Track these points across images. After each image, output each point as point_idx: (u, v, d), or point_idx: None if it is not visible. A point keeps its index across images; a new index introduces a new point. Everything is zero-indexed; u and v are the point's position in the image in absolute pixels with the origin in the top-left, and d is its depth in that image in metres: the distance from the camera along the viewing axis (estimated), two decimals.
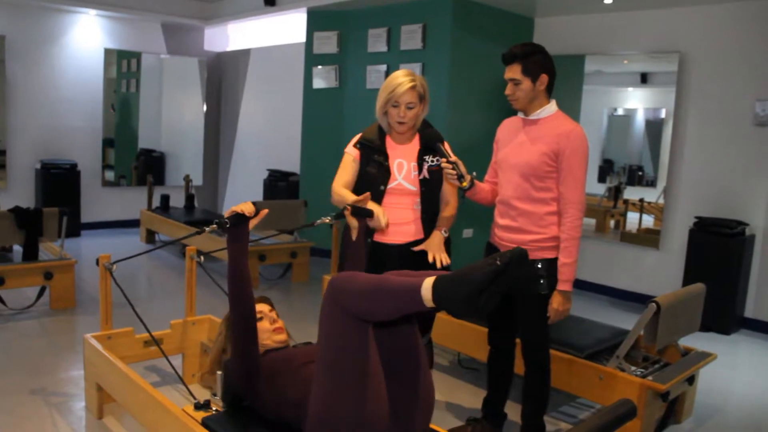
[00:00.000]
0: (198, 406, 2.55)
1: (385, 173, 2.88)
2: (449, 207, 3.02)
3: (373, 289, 1.89)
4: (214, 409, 2.54)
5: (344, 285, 1.93)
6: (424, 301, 1.77)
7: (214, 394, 2.61)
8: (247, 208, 2.43)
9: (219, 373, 2.55)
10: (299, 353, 2.40)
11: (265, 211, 2.47)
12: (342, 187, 2.89)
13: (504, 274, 1.71)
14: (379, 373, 2.02)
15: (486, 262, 1.73)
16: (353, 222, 2.62)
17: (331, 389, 1.98)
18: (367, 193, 2.70)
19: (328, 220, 2.65)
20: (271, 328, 2.59)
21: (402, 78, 2.82)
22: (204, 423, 2.41)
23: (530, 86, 2.72)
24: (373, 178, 2.89)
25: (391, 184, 2.89)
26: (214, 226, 2.46)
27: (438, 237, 2.89)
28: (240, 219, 2.41)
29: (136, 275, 6.08)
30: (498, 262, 1.70)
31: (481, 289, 1.70)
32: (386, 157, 2.90)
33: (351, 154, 2.96)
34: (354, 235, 2.64)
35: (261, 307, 2.67)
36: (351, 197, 2.78)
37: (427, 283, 1.77)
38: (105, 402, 3.21)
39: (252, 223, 2.45)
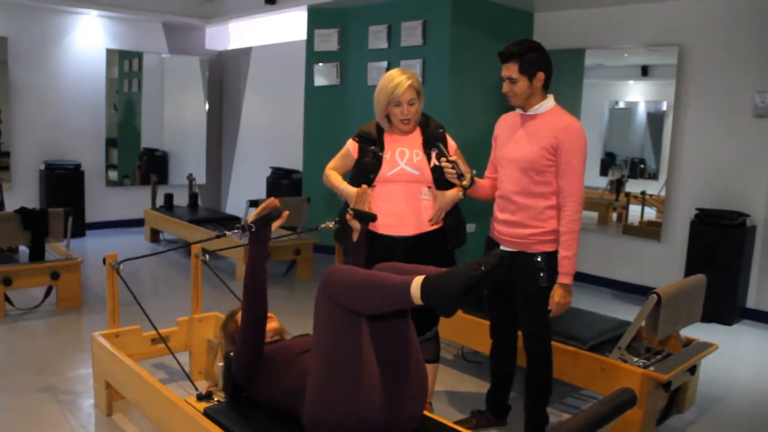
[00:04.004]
0: (200, 397, 2.62)
1: (377, 164, 2.93)
2: None
3: (364, 285, 1.98)
4: (215, 399, 2.61)
5: (336, 278, 2.03)
6: (412, 299, 1.89)
7: (215, 385, 2.68)
8: (272, 204, 2.43)
9: (220, 365, 2.60)
10: (297, 344, 2.47)
11: (287, 213, 2.48)
12: (333, 170, 3.04)
13: (488, 277, 1.84)
14: (372, 363, 2.09)
15: (471, 267, 1.84)
16: (355, 225, 2.66)
17: (325, 378, 2.06)
18: (365, 186, 2.76)
19: (331, 226, 2.70)
20: None
21: (399, 77, 2.87)
22: (206, 413, 2.47)
23: (527, 84, 2.75)
24: (364, 167, 2.96)
25: (393, 170, 2.92)
26: (237, 231, 2.49)
27: (451, 194, 2.94)
28: (264, 222, 2.42)
29: (142, 274, 6.13)
30: (483, 268, 1.83)
31: (465, 291, 1.82)
32: (382, 148, 2.96)
33: (348, 146, 3.05)
34: (355, 237, 2.68)
35: None
36: (346, 187, 2.90)
37: (417, 282, 1.88)
38: (114, 399, 3.25)
39: (275, 225, 2.47)
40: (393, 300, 1.94)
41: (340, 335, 2.05)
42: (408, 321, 2.21)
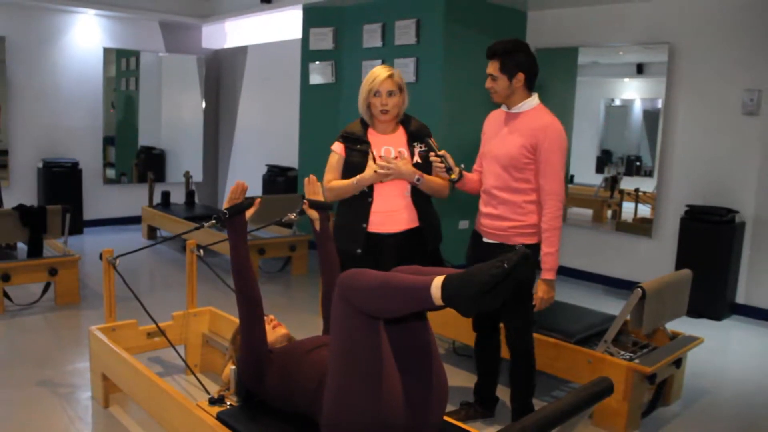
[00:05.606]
0: (212, 401, 2.56)
1: (365, 161, 2.97)
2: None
3: (381, 287, 1.92)
4: (228, 404, 2.55)
5: (353, 283, 1.97)
6: (433, 300, 1.82)
7: (227, 389, 2.65)
8: (240, 187, 2.50)
9: (233, 368, 2.60)
10: (307, 342, 2.45)
11: (259, 200, 2.55)
12: (332, 181, 3.04)
13: (511, 275, 1.77)
14: (392, 367, 2.05)
15: (494, 264, 1.77)
16: (312, 214, 2.72)
17: (345, 384, 2.03)
18: (312, 176, 2.79)
19: (293, 216, 2.77)
20: (270, 327, 2.66)
21: (379, 70, 3.00)
22: (219, 418, 2.43)
23: (506, 83, 2.83)
24: (356, 166, 2.99)
25: None
26: (213, 221, 2.55)
27: (407, 166, 2.91)
28: (237, 210, 2.49)
29: (138, 270, 6.19)
30: (505, 265, 1.76)
31: (488, 290, 1.75)
32: (368, 145, 3.00)
33: (336, 151, 3.08)
34: (317, 226, 2.73)
35: None
36: (361, 177, 2.93)
37: (437, 282, 1.82)
38: (111, 392, 3.31)
39: (249, 212, 2.53)
40: (413, 301, 1.88)
41: (358, 339, 2.00)
42: (426, 324, 2.16)
